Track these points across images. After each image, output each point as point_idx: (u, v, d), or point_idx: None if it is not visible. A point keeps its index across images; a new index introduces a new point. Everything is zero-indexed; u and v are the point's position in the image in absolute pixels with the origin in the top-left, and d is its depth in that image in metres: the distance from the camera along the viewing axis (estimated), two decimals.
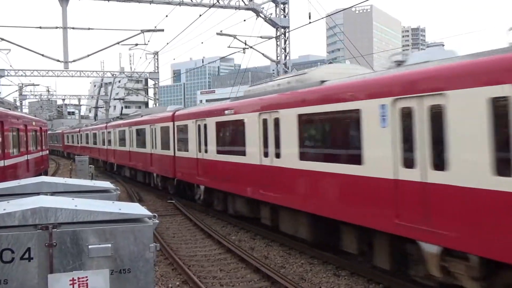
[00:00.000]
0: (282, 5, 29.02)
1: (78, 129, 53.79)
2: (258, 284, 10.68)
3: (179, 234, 16.22)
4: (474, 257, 7.61)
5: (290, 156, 12.46)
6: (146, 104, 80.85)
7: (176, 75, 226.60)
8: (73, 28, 29.37)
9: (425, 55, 9.92)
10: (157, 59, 48.35)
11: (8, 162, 17.80)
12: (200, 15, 24.52)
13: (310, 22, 21.15)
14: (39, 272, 4.87)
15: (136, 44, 33.96)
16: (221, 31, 28.99)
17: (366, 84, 10.10)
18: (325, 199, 11.24)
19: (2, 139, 17.21)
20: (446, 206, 7.98)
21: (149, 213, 5.44)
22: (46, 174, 29.35)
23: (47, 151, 30.63)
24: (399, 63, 10.12)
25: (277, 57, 29.54)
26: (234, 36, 29.18)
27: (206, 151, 18.31)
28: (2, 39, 30.59)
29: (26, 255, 4.85)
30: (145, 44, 32.09)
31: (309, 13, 24.16)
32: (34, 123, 24.77)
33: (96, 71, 53.89)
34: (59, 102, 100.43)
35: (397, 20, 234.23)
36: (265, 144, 13.82)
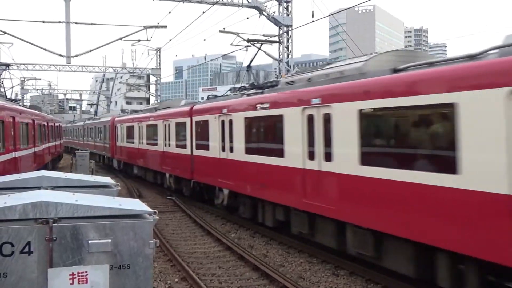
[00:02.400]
0: (285, 4, 28.97)
1: (162, 114, 24.44)
2: (256, 282, 10.69)
3: (178, 230, 16.24)
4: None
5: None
6: (148, 100, 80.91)
7: (178, 71, 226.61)
8: (76, 23, 29.37)
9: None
10: (159, 55, 48.35)
11: (50, 144, 31.51)
12: (203, 12, 24.52)
13: (313, 21, 21.14)
14: (38, 266, 4.88)
15: (139, 40, 34.00)
16: (224, 28, 28.97)
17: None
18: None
19: (47, 132, 29.64)
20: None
21: (149, 210, 5.44)
22: (61, 156, 46.18)
23: (61, 141, 44.56)
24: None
25: (280, 55, 29.52)
26: (237, 34, 29.15)
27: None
28: (5, 33, 30.58)
29: (26, 249, 4.85)
30: (147, 40, 32.13)
31: (312, 12, 24.13)
32: (55, 122, 36.92)
33: (98, 67, 53.84)
34: (61, 96, 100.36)
35: (400, 21, 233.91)
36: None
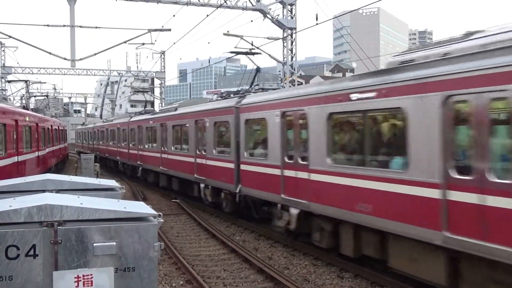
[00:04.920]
0: (289, 6, 29.02)
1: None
2: (261, 284, 10.68)
3: (183, 233, 16.24)
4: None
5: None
6: (152, 103, 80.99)
7: (182, 74, 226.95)
8: (80, 26, 29.43)
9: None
10: (164, 58, 48.46)
11: (66, 144, 44.08)
12: (207, 15, 24.58)
13: (317, 24, 21.14)
14: (43, 269, 4.89)
15: (143, 44, 34.00)
16: (228, 31, 29.01)
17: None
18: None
19: (62, 134, 40.21)
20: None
21: (154, 212, 5.44)
22: (67, 155, 50.76)
23: (66, 142, 49.91)
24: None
25: (284, 58, 29.53)
26: (241, 37, 29.17)
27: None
28: (10, 37, 30.73)
29: (31, 252, 4.86)
30: (152, 43, 32.09)
31: (316, 15, 24.14)
32: (63, 126, 44.04)
33: (102, 70, 54.07)
34: (65, 100, 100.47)
35: (404, 23, 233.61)
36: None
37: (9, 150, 16.45)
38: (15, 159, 17.44)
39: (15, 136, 17.58)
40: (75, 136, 68.07)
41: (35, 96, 48.07)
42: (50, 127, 30.00)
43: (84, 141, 55.56)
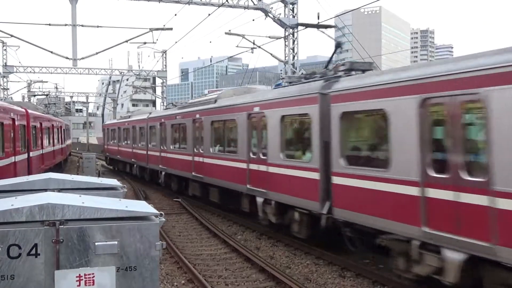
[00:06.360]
0: (291, 5, 28.97)
1: None
2: (263, 284, 10.68)
3: (184, 232, 16.24)
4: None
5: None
6: (154, 102, 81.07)
7: (184, 74, 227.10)
8: (82, 25, 29.43)
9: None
10: (165, 57, 48.46)
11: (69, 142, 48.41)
12: (209, 15, 24.58)
13: (318, 23, 21.13)
14: (45, 268, 4.89)
15: (145, 43, 34.05)
16: (229, 30, 29.02)
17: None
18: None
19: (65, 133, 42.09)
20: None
21: (156, 211, 5.44)
22: (70, 153, 50.85)
23: (70, 141, 52.19)
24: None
25: (285, 57, 29.50)
26: (243, 36, 29.18)
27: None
28: (12, 36, 30.77)
29: (33, 251, 4.86)
30: (153, 42, 32.12)
31: (318, 13, 24.18)
32: (65, 125, 45.05)
33: (104, 69, 54.01)
34: (67, 99, 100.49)
35: (406, 22, 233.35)
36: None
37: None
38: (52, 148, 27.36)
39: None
40: (103, 136, 47.65)
41: (48, 105, 49.64)
42: (59, 128, 37.85)
43: (124, 144, 33.85)
